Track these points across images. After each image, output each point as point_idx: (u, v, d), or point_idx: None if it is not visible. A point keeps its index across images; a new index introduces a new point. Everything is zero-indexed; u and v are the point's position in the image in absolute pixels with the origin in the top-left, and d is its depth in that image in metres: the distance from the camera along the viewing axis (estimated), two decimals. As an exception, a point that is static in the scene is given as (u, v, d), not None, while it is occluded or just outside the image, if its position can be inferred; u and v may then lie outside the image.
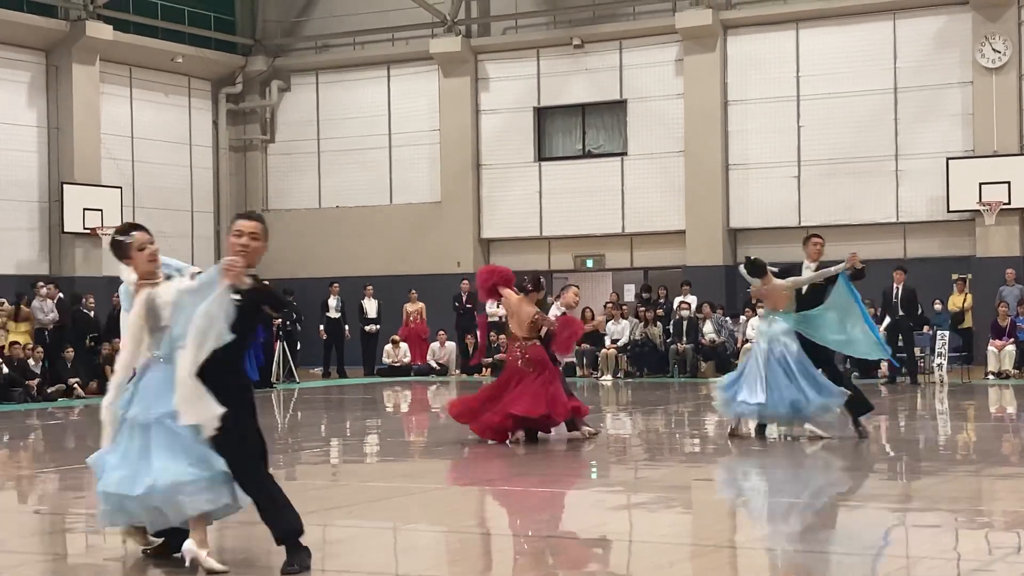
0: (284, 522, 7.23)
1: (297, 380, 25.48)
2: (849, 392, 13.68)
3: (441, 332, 27.72)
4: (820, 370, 13.72)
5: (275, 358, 25.07)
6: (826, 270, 13.77)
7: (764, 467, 12.48)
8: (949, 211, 25.65)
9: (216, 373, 7.10)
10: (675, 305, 26.36)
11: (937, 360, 22.68)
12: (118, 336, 23.27)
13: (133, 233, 7.45)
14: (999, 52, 25.28)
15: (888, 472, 12.29)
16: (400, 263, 29.97)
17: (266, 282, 7.80)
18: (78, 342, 23.78)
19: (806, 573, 7.61)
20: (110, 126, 28.91)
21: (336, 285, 27.54)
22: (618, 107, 28.84)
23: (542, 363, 14.10)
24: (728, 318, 26.04)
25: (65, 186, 27.42)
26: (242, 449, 7.26)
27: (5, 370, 21.70)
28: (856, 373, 24.38)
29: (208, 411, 7.09)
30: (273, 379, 24.77)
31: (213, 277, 7.10)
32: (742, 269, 14.10)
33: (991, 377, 23.31)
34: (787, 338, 13.58)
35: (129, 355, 7.46)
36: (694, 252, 27.70)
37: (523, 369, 14.10)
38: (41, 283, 24.54)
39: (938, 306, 24.85)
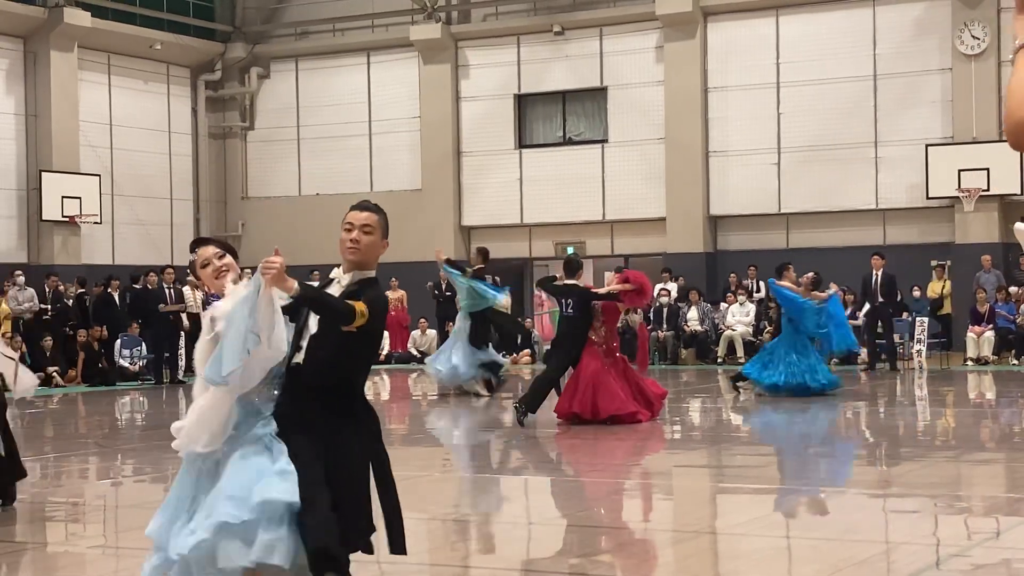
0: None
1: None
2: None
3: (422, 320, 27.71)
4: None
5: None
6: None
7: (740, 455, 12.51)
8: (928, 198, 25.72)
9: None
10: (655, 292, 26.36)
11: (916, 346, 22.76)
12: (101, 324, 23.46)
13: (198, 249, 6.36)
14: (978, 39, 25.32)
15: (867, 458, 12.33)
16: (380, 251, 29.87)
17: (372, 275, 5.81)
18: (56, 330, 23.66)
19: (786, 558, 7.64)
20: (88, 113, 28.76)
21: (316, 273, 27.23)
22: (598, 94, 28.81)
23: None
24: (708, 304, 26.08)
25: (43, 174, 27.28)
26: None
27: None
28: (836, 360, 24.48)
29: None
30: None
31: (257, 279, 5.73)
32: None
33: (970, 363, 23.42)
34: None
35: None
36: (674, 239, 27.71)
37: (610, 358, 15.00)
38: (19, 272, 24.42)
39: (917, 292, 24.95)
